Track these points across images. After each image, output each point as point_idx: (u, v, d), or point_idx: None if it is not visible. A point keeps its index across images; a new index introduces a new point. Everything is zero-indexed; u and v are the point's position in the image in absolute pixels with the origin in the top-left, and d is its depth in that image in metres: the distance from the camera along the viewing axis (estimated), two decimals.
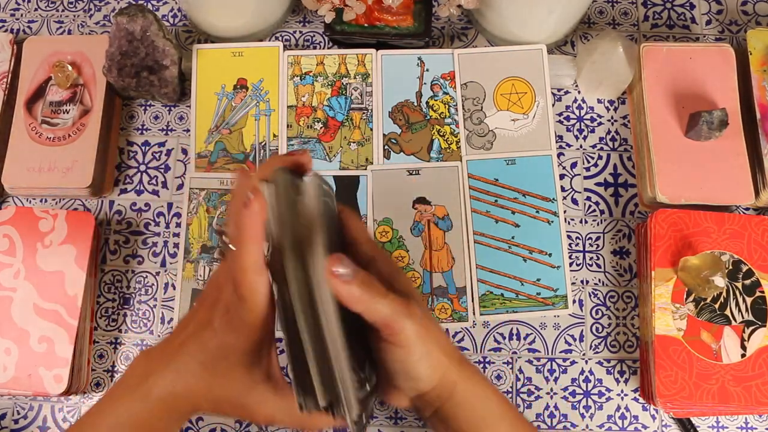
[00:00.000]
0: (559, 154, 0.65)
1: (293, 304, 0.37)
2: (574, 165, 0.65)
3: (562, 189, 0.64)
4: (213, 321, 0.40)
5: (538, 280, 0.60)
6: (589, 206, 0.64)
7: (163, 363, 0.40)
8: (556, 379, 0.59)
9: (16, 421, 0.59)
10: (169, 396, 0.39)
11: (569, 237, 0.63)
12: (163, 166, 0.66)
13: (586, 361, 0.60)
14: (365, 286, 0.37)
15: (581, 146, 0.66)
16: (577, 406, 0.59)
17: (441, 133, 0.64)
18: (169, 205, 0.65)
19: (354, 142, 0.64)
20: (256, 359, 0.40)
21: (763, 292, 0.57)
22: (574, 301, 0.61)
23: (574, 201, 0.64)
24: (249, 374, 0.40)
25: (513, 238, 0.61)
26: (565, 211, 0.64)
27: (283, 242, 0.37)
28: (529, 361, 0.60)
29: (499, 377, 0.59)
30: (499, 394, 0.43)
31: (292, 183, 0.38)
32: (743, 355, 0.55)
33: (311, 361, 0.37)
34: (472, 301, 0.59)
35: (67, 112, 0.64)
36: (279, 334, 0.40)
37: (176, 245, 0.63)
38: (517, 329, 0.60)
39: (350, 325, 0.38)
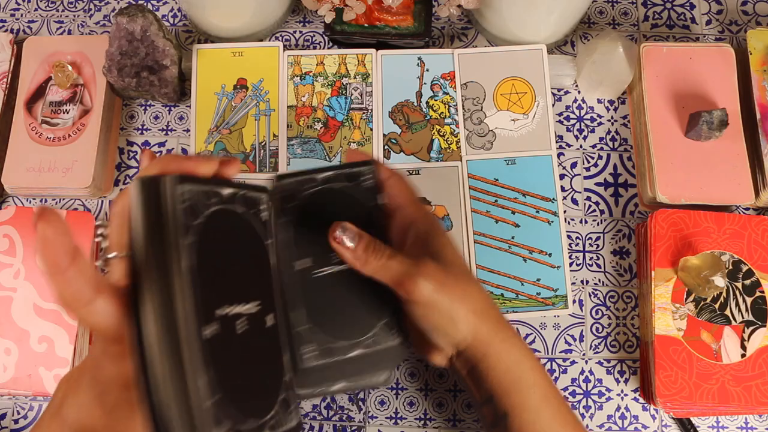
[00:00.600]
0: (559, 154, 0.65)
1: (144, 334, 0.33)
2: (574, 165, 0.65)
3: (562, 189, 0.64)
4: (105, 350, 0.36)
5: (538, 280, 0.60)
6: (589, 206, 0.64)
7: (72, 391, 0.37)
8: (556, 379, 0.59)
9: (16, 421, 0.59)
10: (80, 427, 0.36)
11: (569, 237, 0.63)
12: None
13: (586, 361, 0.60)
14: (370, 249, 0.40)
15: (581, 146, 0.66)
16: (577, 406, 0.59)
17: (441, 133, 0.64)
18: None
19: (354, 142, 0.64)
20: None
21: (763, 292, 0.57)
22: (574, 301, 0.61)
23: (574, 201, 0.64)
24: (134, 409, 0.35)
25: (513, 238, 0.61)
26: (565, 211, 0.64)
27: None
28: None
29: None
30: (534, 361, 0.43)
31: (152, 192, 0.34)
32: (743, 355, 0.55)
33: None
34: None
35: (67, 112, 0.64)
36: None
37: None
38: (517, 329, 0.60)
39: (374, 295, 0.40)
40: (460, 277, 0.42)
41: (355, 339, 0.42)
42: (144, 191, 0.33)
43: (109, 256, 0.34)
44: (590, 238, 0.63)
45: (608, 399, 0.59)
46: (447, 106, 0.65)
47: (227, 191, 0.38)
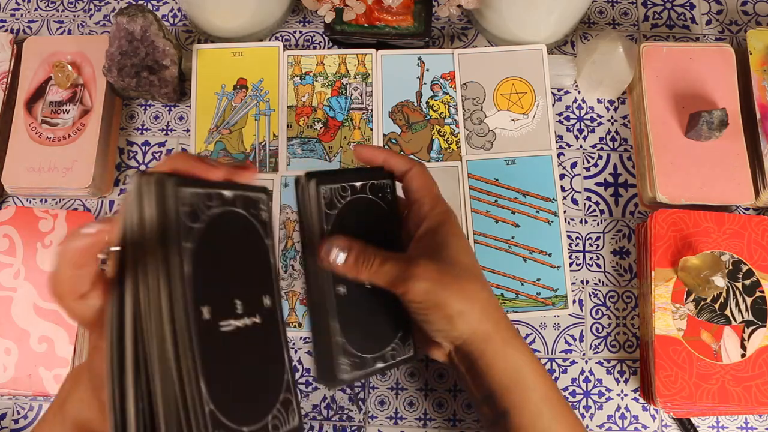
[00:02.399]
0: (559, 154, 0.65)
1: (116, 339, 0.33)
2: (574, 165, 0.65)
3: (562, 189, 0.64)
4: (97, 344, 0.37)
5: (538, 280, 0.60)
6: (589, 206, 0.64)
7: (74, 387, 0.38)
8: (556, 379, 0.59)
9: (16, 421, 0.59)
10: (81, 422, 0.37)
11: (569, 237, 0.63)
12: None
13: (586, 361, 0.60)
14: (360, 259, 0.41)
15: (581, 146, 0.66)
16: (577, 406, 0.59)
17: (441, 133, 0.64)
18: None
19: (354, 142, 0.64)
20: None
21: (763, 292, 0.57)
22: (574, 301, 0.61)
23: (574, 201, 0.64)
24: None
25: (513, 238, 0.61)
26: (565, 211, 0.64)
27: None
28: None
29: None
30: (536, 363, 0.44)
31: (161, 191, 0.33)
32: (743, 355, 0.55)
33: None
34: None
35: (67, 112, 0.64)
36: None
37: None
38: (517, 329, 0.60)
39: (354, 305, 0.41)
40: (460, 275, 0.42)
41: (378, 353, 0.44)
42: (144, 187, 0.33)
43: (112, 249, 0.34)
44: (590, 238, 0.63)
45: (608, 399, 0.59)
46: (447, 106, 0.65)
47: (228, 193, 0.37)
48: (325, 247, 0.41)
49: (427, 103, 0.65)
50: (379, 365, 0.44)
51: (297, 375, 0.59)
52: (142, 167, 0.66)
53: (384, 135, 0.64)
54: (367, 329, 0.44)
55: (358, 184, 0.44)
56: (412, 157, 0.63)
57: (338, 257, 0.41)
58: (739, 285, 0.57)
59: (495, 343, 0.42)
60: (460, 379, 0.45)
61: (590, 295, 0.61)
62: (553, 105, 0.67)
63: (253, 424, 0.35)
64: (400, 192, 0.48)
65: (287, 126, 0.65)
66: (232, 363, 0.35)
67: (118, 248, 0.33)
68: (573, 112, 0.67)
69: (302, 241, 0.42)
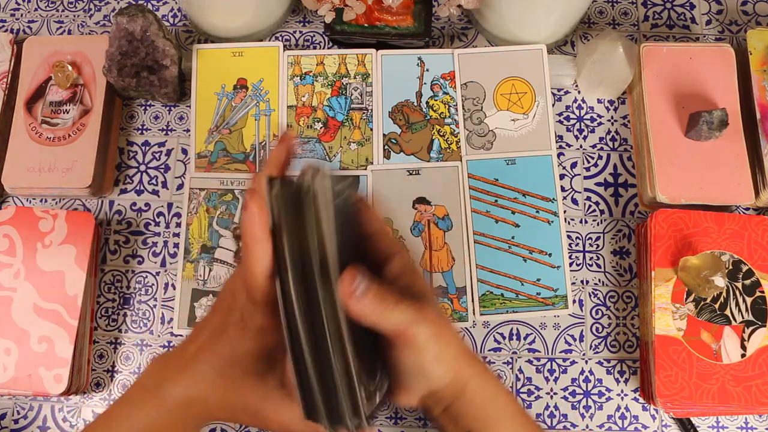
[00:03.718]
0: (559, 154, 0.65)
1: (296, 320, 0.36)
2: (574, 165, 0.65)
3: (562, 189, 0.64)
4: (227, 328, 0.40)
5: (538, 280, 0.60)
6: (589, 206, 0.64)
7: (179, 370, 0.40)
8: (556, 379, 0.59)
9: (16, 421, 0.59)
10: (184, 403, 0.39)
11: (569, 237, 0.63)
12: (163, 166, 0.66)
13: (586, 361, 0.60)
14: (378, 299, 0.37)
15: (581, 146, 0.66)
16: (577, 406, 0.59)
17: (441, 133, 0.64)
18: (169, 205, 0.65)
19: (354, 142, 0.64)
20: (270, 366, 0.40)
21: (763, 292, 0.57)
22: (574, 301, 0.61)
23: (574, 201, 0.64)
24: (263, 381, 0.39)
25: (513, 238, 0.61)
26: (565, 211, 0.64)
27: (285, 254, 0.36)
28: (529, 361, 0.60)
29: (499, 377, 0.59)
30: (508, 393, 0.43)
31: (290, 187, 0.36)
32: (743, 355, 0.55)
33: (313, 380, 0.36)
34: (472, 301, 0.59)
35: (67, 112, 0.64)
36: None
37: (176, 245, 0.63)
38: (517, 329, 0.60)
39: (359, 331, 0.37)
40: (443, 317, 0.41)
41: (375, 383, 0.41)
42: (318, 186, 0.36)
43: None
44: (590, 238, 0.63)
45: (608, 399, 0.59)
46: (447, 106, 0.65)
47: (340, 185, 0.39)
48: (353, 279, 0.36)
49: (427, 103, 0.65)
50: (377, 397, 0.40)
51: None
52: (142, 167, 0.66)
53: (384, 135, 0.64)
54: (366, 354, 0.40)
55: (338, 185, 0.39)
56: (411, 157, 0.63)
57: (361, 292, 0.36)
58: (739, 285, 0.57)
59: (472, 381, 0.41)
60: (433, 420, 0.44)
61: (590, 295, 0.61)
62: (553, 105, 0.67)
63: (371, 385, 0.39)
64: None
65: (287, 126, 0.65)
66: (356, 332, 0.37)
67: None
68: (573, 112, 0.67)
69: (296, 246, 0.37)
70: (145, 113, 0.68)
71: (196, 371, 0.39)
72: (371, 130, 0.64)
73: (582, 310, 0.61)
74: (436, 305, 0.43)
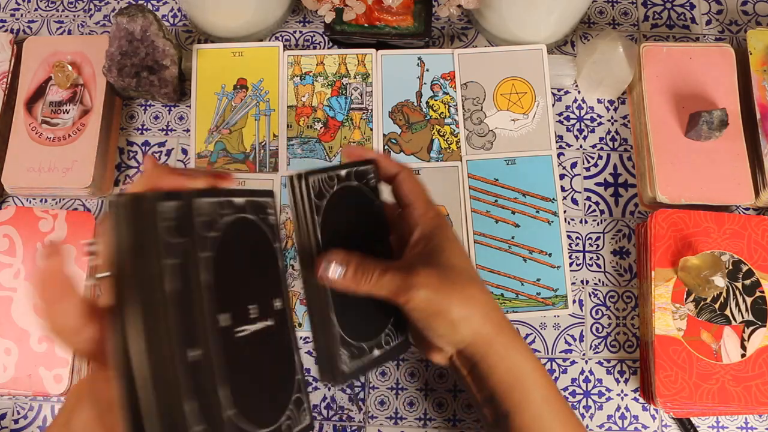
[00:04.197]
0: (559, 154, 0.65)
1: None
2: (574, 165, 0.65)
3: (562, 189, 0.64)
4: (99, 372, 0.36)
5: (538, 280, 0.60)
6: (589, 206, 0.64)
7: (78, 407, 0.36)
8: (556, 379, 0.59)
9: (16, 421, 0.59)
10: None
11: (569, 237, 0.63)
12: None
13: (586, 361, 0.60)
14: (359, 273, 0.40)
15: (581, 146, 0.66)
16: (577, 406, 0.59)
17: (441, 133, 0.64)
18: None
19: (354, 142, 0.64)
20: None
21: (763, 292, 0.57)
22: (574, 301, 0.61)
23: (574, 201, 0.64)
24: None
25: (513, 238, 0.61)
26: (565, 211, 0.64)
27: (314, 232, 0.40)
28: None
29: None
30: (536, 363, 0.44)
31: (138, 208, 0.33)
32: (743, 355, 0.55)
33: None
34: None
35: (67, 112, 0.64)
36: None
37: None
38: (517, 329, 0.60)
39: (355, 300, 0.41)
40: (458, 280, 0.42)
41: (373, 340, 0.44)
42: (120, 211, 0.32)
43: (99, 275, 0.33)
44: (590, 238, 0.63)
45: (608, 399, 0.59)
46: (447, 106, 0.65)
47: (239, 200, 0.38)
48: (322, 264, 0.40)
49: (427, 103, 0.65)
50: (376, 352, 0.44)
51: (304, 381, 0.59)
52: (142, 167, 0.66)
53: (384, 135, 0.64)
54: (361, 317, 0.43)
55: (343, 172, 0.44)
56: (411, 157, 0.63)
57: (336, 272, 0.40)
58: (739, 285, 0.57)
59: (497, 345, 0.42)
60: (461, 381, 0.45)
61: (590, 295, 0.61)
62: (553, 105, 0.67)
63: (269, 425, 0.36)
64: (388, 194, 0.48)
65: (287, 126, 0.65)
66: (249, 367, 0.36)
67: (106, 274, 0.32)
68: (573, 112, 0.67)
69: (297, 240, 0.42)
70: (145, 113, 0.68)
71: (84, 412, 0.35)
72: (371, 130, 0.64)
73: (582, 310, 0.61)
74: (460, 267, 0.43)
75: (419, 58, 0.66)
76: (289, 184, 0.41)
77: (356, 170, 0.45)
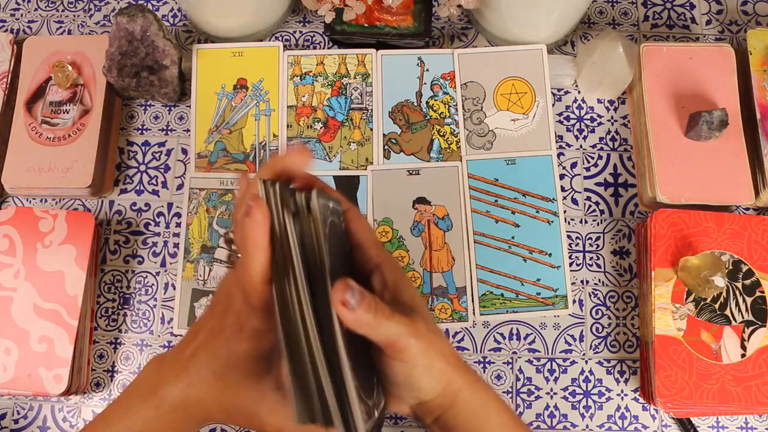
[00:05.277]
0: (559, 154, 0.65)
1: (305, 324, 0.36)
2: (574, 165, 0.65)
3: (562, 189, 0.64)
4: (223, 330, 0.40)
5: (538, 280, 0.60)
6: (589, 206, 0.64)
7: (176, 371, 0.40)
8: (556, 379, 0.59)
9: (16, 421, 0.59)
10: (182, 405, 0.39)
11: (569, 237, 0.63)
12: (163, 166, 0.66)
13: (586, 361, 0.60)
14: (371, 310, 0.36)
15: (581, 146, 0.66)
16: (577, 406, 0.59)
17: (441, 133, 0.64)
18: (169, 205, 0.65)
19: (354, 142, 0.64)
20: (266, 368, 0.40)
21: (763, 292, 0.57)
22: (574, 301, 0.61)
23: (574, 201, 0.64)
24: (259, 384, 0.39)
25: (513, 238, 0.61)
26: (565, 211, 0.64)
27: (295, 262, 0.36)
28: (529, 361, 0.60)
29: (499, 377, 0.59)
30: (499, 402, 0.43)
31: (287, 198, 0.36)
32: (743, 355, 0.55)
33: (326, 385, 0.36)
34: (472, 301, 0.59)
35: (67, 112, 0.64)
36: None
37: (176, 245, 0.63)
38: (517, 329, 0.60)
39: (354, 341, 0.37)
40: (433, 328, 0.41)
41: (372, 399, 0.40)
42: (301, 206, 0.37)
43: (239, 255, 0.37)
44: (590, 238, 0.63)
45: (608, 399, 0.59)
46: (447, 106, 0.65)
47: (332, 203, 0.40)
48: (345, 290, 0.36)
49: (427, 103, 0.65)
50: (376, 414, 0.40)
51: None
52: (142, 167, 0.66)
53: (384, 135, 0.64)
54: (362, 372, 0.39)
55: (330, 203, 0.40)
56: (411, 157, 0.63)
57: (353, 303, 0.36)
58: (739, 285, 0.57)
59: (463, 391, 0.41)
60: (427, 429, 0.44)
61: (590, 295, 0.61)
62: (553, 105, 0.67)
63: (370, 398, 0.39)
64: None
65: (287, 126, 0.65)
66: (353, 346, 0.37)
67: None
68: (573, 112, 0.67)
69: (304, 262, 0.37)
70: (145, 113, 0.68)
71: (193, 373, 0.39)
72: (371, 130, 0.64)
73: (582, 310, 0.61)
74: (426, 315, 0.42)
75: (419, 58, 0.66)
76: (304, 205, 0.38)
77: (332, 206, 0.41)
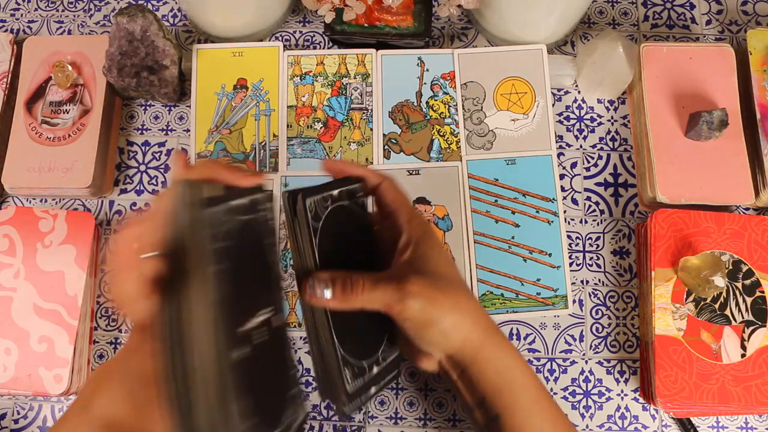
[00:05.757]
0: (559, 154, 0.65)
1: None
2: (574, 165, 0.65)
3: (562, 189, 0.64)
4: (139, 345, 0.38)
5: (538, 280, 0.60)
6: (589, 206, 0.64)
7: (104, 385, 0.38)
8: (556, 379, 0.59)
9: (16, 421, 0.59)
10: (109, 422, 0.37)
11: (569, 237, 0.63)
12: (163, 166, 0.66)
13: (586, 361, 0.60)
14: (348, 289, 0.40)
15: (581, 146, 0.66)
16: (577, 406, 0.59)
17: (441, 133, 0.64)
18: None
19: (354, 142, 0.64)
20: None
21: (763, 292, 0.57)
22: (574, 301, 0.61)
23: (574, 201, 0.64)
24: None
25: (513, 238, 0.61)
26: (565, 211, 0.64)
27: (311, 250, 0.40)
28: (529, 361, 0.59)
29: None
30: (524, 364, 0.44)
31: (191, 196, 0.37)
32: (743, 355, 0.55)
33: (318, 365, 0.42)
34: None
35: (67, 112, 0.64)
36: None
37: None
38: (517, 329, 0.60)
39: (352, 317, 0.41)
40: (448, 287, 0.43)
41: (371, 357, 0.45)
42: (286, 204, 0.40)
43: (147, 255, 0.35)
44: (590, 238, 0.63)
45: (608, 399, 0.59)
46: (447, 106, 0.65)
47: (335, 192, 0.43)
48: (307, 288, 0.40)
49: (427, 103, 0.65)
50: (375, 369, 0.44)
51: (297, 375, 0.59)
52: (142, 167, 0.66)
53: (384, 135, 0.64)
54: (359, 334, 0.44)
55: (335, 192, 0.44)
56: (411, 157, 0.63)
57: (324, 293, 0.40)
58: (739, 285, 0.57)
59: (486, 349, 0.43)
60: (452, 385, 0.46)
61: (590, 295, 0.61)
62: (553, 105, 0.67)
63: (276, 426, 0.40)
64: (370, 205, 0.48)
65: (287, 126, 0.65)
66: (260, 370, 0.39)
67: (155, 253, 0.35)
68: (573, 112, 0.67)
69: (295, 264, 0.42)
70: (145, 113, 0.68)
71: (113, 389, 0.38)
72: (371, 130, 0.64)
73: (582, 310, 0.61)
74: (453, 279, 0.44)
75: (419, 58, 0.66)
76: (288, 207, 0.41)
77: (347, 189, 0.45)
